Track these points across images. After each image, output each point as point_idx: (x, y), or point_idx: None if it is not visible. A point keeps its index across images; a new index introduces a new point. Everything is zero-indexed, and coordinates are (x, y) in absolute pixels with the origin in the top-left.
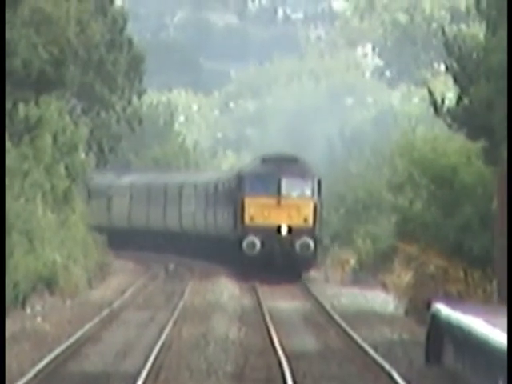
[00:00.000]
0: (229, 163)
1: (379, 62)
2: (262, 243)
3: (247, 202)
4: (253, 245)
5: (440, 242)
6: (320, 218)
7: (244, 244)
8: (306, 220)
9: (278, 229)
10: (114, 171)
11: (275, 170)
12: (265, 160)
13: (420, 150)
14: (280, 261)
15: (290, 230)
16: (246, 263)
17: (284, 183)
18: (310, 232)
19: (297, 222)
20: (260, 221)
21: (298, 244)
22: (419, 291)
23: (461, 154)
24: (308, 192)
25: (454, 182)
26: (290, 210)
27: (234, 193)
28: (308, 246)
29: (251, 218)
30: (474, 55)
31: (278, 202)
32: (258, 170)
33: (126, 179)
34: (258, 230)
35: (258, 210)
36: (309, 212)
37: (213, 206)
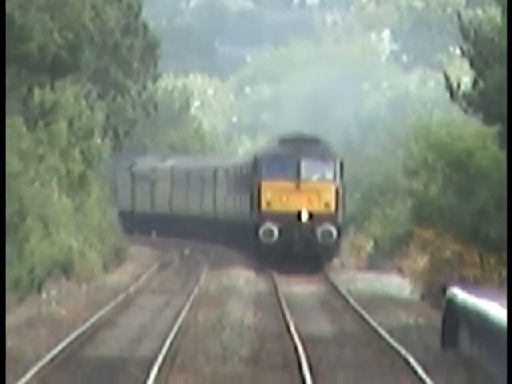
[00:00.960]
0: (244, 148)
1: (395, 46)
2: (280, 231)
3: (264, 186)
4: (270, 232)
5: (456, 227)
6: (343, 203)
7: (261, 232)
8: (327, 205)
9: (298, 215)
10: (157, 154)
11: (294, 151)
12: (283, 141)
13: (436, 134)
14: (300, 250)
15: (310, 216)
16: (263, 252)
17: (303, 166)
18: (332, 218)
19: (318, 207)
20: (278, 206)
21: (319, 231)
22: (435, 276)
23: (477, 138)
24: (329, 175)
25: (470, 166)
26: (310, 194)
27: (250, 177)
28: (330, 233)
29: (268, 204)
30: (490, 39)
31: (298, 186)
32: (276, 151)
33: (168, 163)
34: (276, 217)
35: (276, 195)
36: (331, 197)
37: (233, 191)
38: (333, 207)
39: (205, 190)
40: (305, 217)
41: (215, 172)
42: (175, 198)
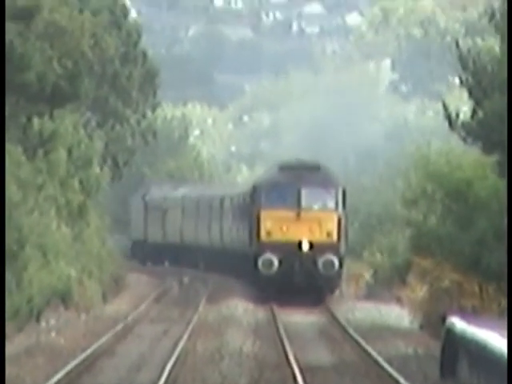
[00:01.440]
0: (243, 177)
1: (394, 75)
2: (280, 261)
3: (263, 215)
4: (270, 263)
5: (455, 257)
6: (345, 232)
7: (260, 262)
8: (329, 235)
9: (299, 245)
10: (171, 183)
11: (294, 179)
12: (282, 168)
13: (434, 164)
14: (300, 281)
15: (311, 246)
16: (262, 283)
17: (304, 194)
18: (334, 248)
19: (319, 237)
20: (278, 236)
21: (320, 262)
22: (434, 305)
23: (475, 168)
24: (331, 204)
25: (469, 196)
26: (311, 223)
27: (249, 205)
28: (332, 264)
29: (268, 233)
30: (489, 69)
31: (298, 215)
32: (275, 179)
33: (180, 191)
34: (276, 247)
35: (276, 224)
36: (332, 226)
37: (234, 220)
38: (335, 237)
39: (212, 219)
40: (306, 247)
41: (222, 201)
42: (185, 228)
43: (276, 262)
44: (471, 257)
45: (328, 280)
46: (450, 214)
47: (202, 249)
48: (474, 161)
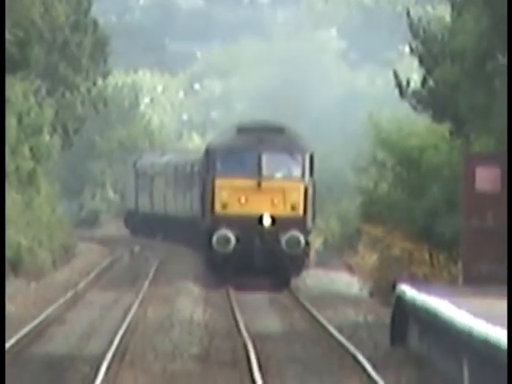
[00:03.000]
0: (195, 146)
1: (343, 44)
2: (238, 238)
3: (218, 184)
4: (225, 240)
5: (406, 224)
6: (313, 205)
7: (214, 239)
8: (294, 208)
9: (259, 219)
10: (160, 150)
11: (254, 142)
12: (241, 130)
13: (386, 131)
14: (261, 261)
15: (273, 220)
16: (216, 263)
17: (266, 160)
18: (300, 223)
19: (283, 210)
20: (235, 209)
21: (284, 239)
22: (384, 273)
23: (427, 136)
24: (297, 172)
25: (421, 163)
26: (273, 195)
27: (201, 173)
28: (298, 241)
29: (223, 206)
30: (440, 37)
31: (259, 185)
32: (232, 142)
33: (165, 158)
34: (233, 221)
35: (233, 195)
36: (298, 198)
37: (186, 189)
38: (301, 210)
39: (176, 188)
40: (267, 222)
41: (176, 168)
42: (168, 197)
43: (233, 239)
44: (422, 225)
45: (293, 259)
46: (402, 182)
47: (172, 220)
48: (425, 129)
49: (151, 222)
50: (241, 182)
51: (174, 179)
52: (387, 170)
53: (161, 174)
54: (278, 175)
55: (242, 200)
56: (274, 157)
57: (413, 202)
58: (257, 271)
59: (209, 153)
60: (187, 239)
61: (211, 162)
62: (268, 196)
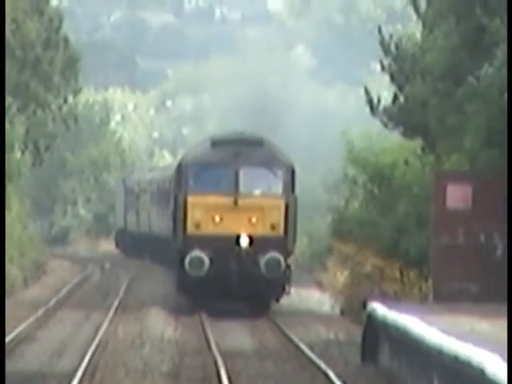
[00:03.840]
0: (165, 164)
1: (313, 62)
2: (212, 260)
3: (191, 201)
4: (198, 262)
5: (376, 242)
6: (294, 224)
7: (186, 261)
8: (274, 227)
9: (236, 240)
10: (149, 167)
11: (230, 156)
12: (216, 143)
13: (358, 149)
14: (238, 286)
15: (251, 241)
16: (189, 288)
17: (243, 175)
18: (281, 244)
19: (262, 230)
20: (209, 229)
21: (263, 261)
22: (355, 290)
23: (398, 153)
24: (277, 188)
25: (391, 180)
26: (251, 213)
27: (174, 189)
28: (278, 264)
29: (196, 225)
30: (410, 54)
31: (235, 203)
32: (206, 156)
33: (150, 174)
34: (207, 242)
35: (207, 214)
36: (279, 216)
37: (159, 207)
38: (281, 230)
39: (151, 205)
40: (245, 242)
41: (150, 184)
42: (151, 214)
43: (207, 261)
44: (392, 242)
45: (272, 284)
46: (372, 199)
47: (156, 240)
48: (396, 146)
49: (138, 242)
50: (215, 200)
51: (157, 196)
52: (358, 187)
53: (146, 192)
54: (257, 192)
55: (217, 219)
56: (252, 172)
57: (382, 219)
58: (233, 297)
59: (181, 168)
60: (170, 261)
61: (183, 178)
62: (245, 214)
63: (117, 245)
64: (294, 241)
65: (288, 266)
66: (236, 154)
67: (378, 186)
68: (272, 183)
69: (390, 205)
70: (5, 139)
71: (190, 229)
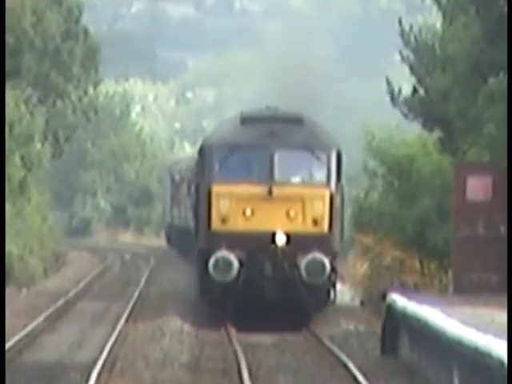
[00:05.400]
0: (187, 155)
1: (337, 52)
2: (241, 263)
3: (216, 192)
4: (225, 265)
5: (396, 233)
6: (341, 218)
7: (211, 264)
8: (316, 223)
9: (271, 238)
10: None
11: (264, 137)
12: (247, 120)
13: (376, 140)
14: (273, 293)
15: (289, 239)
16: (214, 295)
17: (279, 160)
18: (325, 243)
19: (302, 226)
20: (238, 224)
21: (304, 264)
22: (375, 282)
23: (418, 145)
24: (321, 175)
25: (412, 172)
26: (289, 205)
27: (196, 177)
28: (321, 267)
29: (223, 220)
30: (430, 45)
31: (270, 193)
32: (235, 137)
33: (188, 161)
34: (235, 241)
35: (235, 207)
36: (322, 209)
37: (181, 199)
38: (325, 225)
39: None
40: (281, 241)
41: (180, 173)
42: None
43: (235, 264)
44: (413, 234)
45: (315, 291)
46: (392, 191)
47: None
48: (416, 137)
49: (182, 237)
50: (246, 189)
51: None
52: (378, 178)
53: (184, 180)
54: (296, 180)
55: (248, 212)
56: (291, 155)
57: (403, 211)
58: (267, 307)
59: (204, 151)
60: None
61: (207, 164)
62: (282, 207)
63: (168, 241)
64: (341, 238)
65: (333, 269)
66: (271, 133)
67: (398, 177)
68: (314, 169)
69: (410, 196)
70: (5, 139)
71: (215, 224)
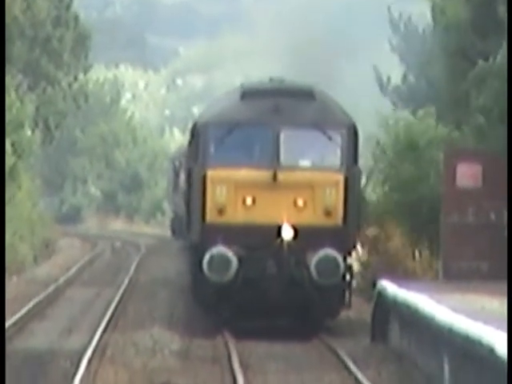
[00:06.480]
0: (177, 142)
1: (330, 37)
2: (241, 260)
3: (211, 177)
4: (222, 263)
5: (394, 221)
6: (358, 208)
7: (206, 261)
8: (329, 213)
9: (276, 232)
10: None
11: (268, 113)
12: (248, 94)
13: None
14: (278, 296)
15: (297, 233)
16: (209, 298)
17: (286, 140)
18: (338, 237)
19: (312, 217)
20: (238, 216)
21: (314, 262)
22: (369, 268)
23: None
24: (334, 158)
25: (404, 161)
26: (297, 193)
27: (188, 161)
28: (334, 264)
29: (220, 211)
30: (421, 32)
31: (275, 178)
32: (234, 113)
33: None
34: (234, 235)
35: (234, 195)
36: (336, 197)
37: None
38: (339, 216)
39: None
40: (288, 235)
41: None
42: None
43: (234, 262)
44: (404, 221)
45: (327, 293)
46: (388, 180)
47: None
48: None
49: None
50: (246, 174)
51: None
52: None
53: (181, 166)
54: (305, 163)
55: (249, 201)
56: (299, 135)
57: (398, 199)
58: (271, 312)
59: (198, 131)
60: None
61: (202, 145)
62: (289, 195)
63: (173, 233)
64: (358, 231)
65: (349, 268)
66: (276, 109)
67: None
68: (326, 151)
69: (402, 183)
70: (5, 138)
71: (211, 215)
